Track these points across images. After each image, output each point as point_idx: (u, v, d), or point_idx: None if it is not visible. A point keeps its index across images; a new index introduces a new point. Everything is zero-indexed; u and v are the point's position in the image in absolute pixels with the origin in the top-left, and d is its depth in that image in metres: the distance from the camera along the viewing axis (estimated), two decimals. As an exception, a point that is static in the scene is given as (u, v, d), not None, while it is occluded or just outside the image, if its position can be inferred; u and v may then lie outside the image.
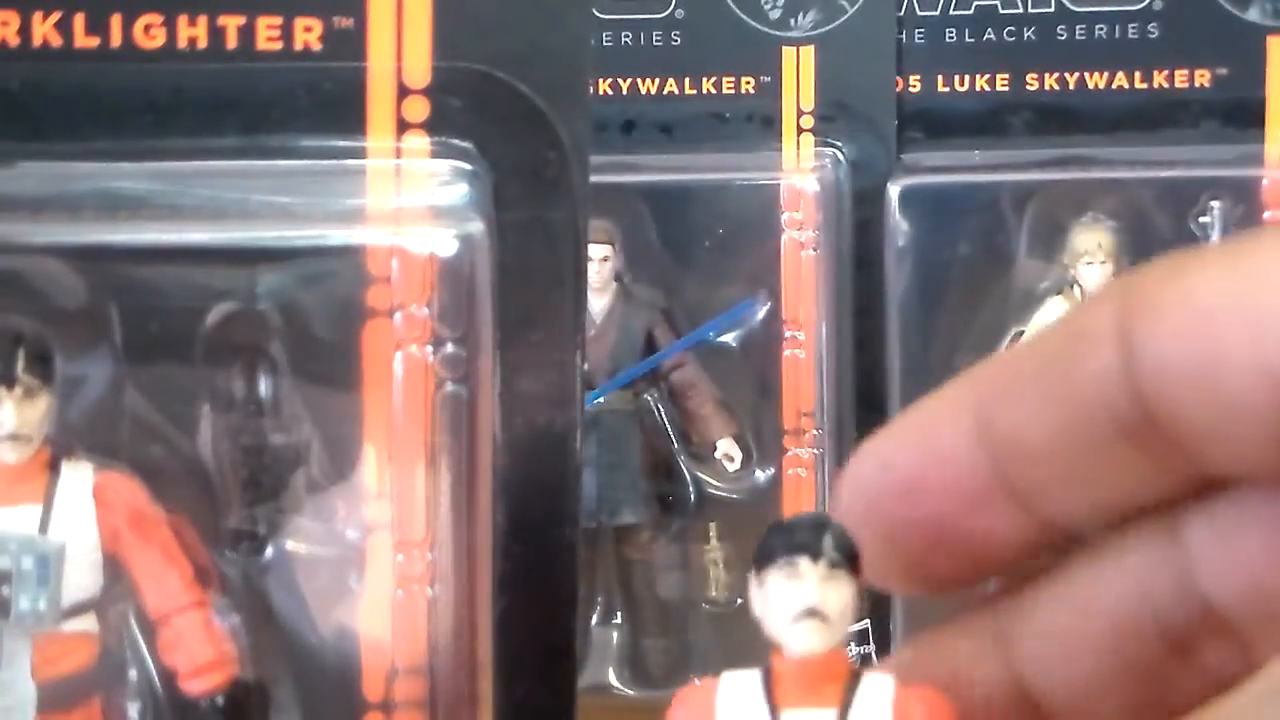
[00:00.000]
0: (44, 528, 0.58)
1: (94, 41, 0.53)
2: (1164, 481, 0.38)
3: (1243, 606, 0.38)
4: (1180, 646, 0.39)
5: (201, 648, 0.58)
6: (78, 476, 0.58)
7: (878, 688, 0.41)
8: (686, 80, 1.16)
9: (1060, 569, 0.41)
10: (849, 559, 0.40)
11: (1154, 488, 0.38)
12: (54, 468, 0.58)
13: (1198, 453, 0.37)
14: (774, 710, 0.41)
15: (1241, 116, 1.13)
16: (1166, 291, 0.37)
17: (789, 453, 1.15)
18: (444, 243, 0.54)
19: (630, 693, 1.17)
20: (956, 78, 1.16)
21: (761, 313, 1.16)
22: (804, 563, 0.40)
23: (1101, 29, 1.14)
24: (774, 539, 0.41)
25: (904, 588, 0.42)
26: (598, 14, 1.13)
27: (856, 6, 1.15)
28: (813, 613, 0.41)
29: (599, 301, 1.16)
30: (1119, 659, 0.40)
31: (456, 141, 0.54)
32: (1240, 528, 0.38)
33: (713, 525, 1.18)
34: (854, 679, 0.41)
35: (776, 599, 0.41)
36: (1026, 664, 0.41)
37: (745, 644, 0.44)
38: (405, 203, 0.54)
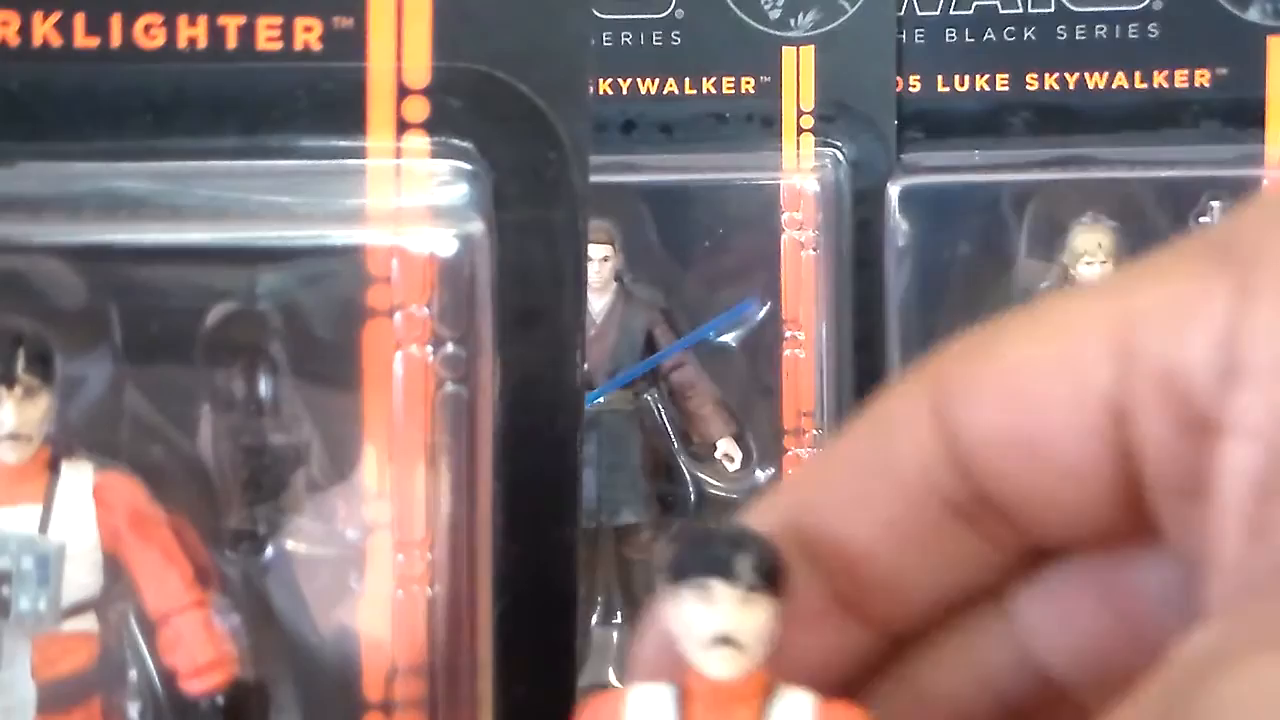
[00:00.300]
0: (44, 528, 0.58)
1: (94, 41, 0.53)
2: (997, 558, 0.37)
3: (1080, 675, 0.37)
4: None
5: (201, 648, 0.58)
6: (78, 476, 0.58)
7: (796, 706, 0.38)
8: (686, 80, 1.16)
9: (898, 662, 0.39)
10: (769, 580, 0.36)
11: (988, 566, 0.37)
12: (54, 468, 0.58)
13: (1029, 523, 0.36)
14: None
15: (1241, 116, 1.13)
16: (979, 364, 0.36)
17: (789, 453, 1.15)
18: (444, 243, 0.54)
19: (630, 693, 1.17)
20: (956, 78, 1.16)
21: (761, 313, 1.16)
22: (717, 585, 0.37)
23: (1101, 29, 1.14)
24: (688, 554, 0.37)
25: None
26: (598, 14, 1.13)
27: (856, 6, 1.15)
28: (725, 640, 0.37)
29: (599, 301, 1.16)
30: None
31: (456, 141, 0.54)
32: (1071, 596, 0.37)
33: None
34: (771, 695, 0.38)
35: (688, 620, 0.37)
36: None
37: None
38: (405, 203, 0.54)
